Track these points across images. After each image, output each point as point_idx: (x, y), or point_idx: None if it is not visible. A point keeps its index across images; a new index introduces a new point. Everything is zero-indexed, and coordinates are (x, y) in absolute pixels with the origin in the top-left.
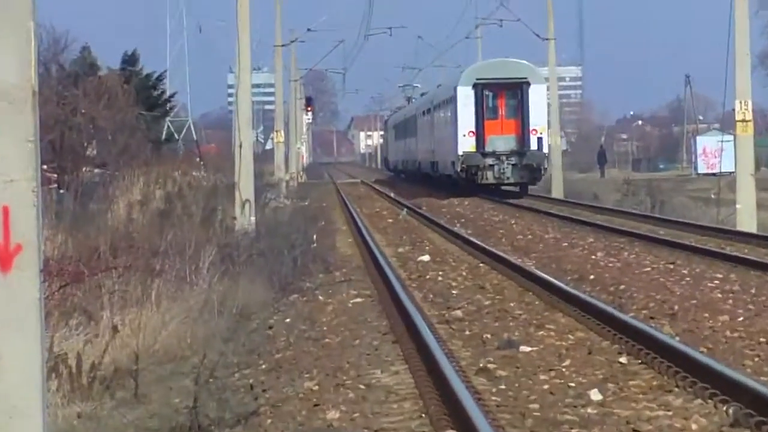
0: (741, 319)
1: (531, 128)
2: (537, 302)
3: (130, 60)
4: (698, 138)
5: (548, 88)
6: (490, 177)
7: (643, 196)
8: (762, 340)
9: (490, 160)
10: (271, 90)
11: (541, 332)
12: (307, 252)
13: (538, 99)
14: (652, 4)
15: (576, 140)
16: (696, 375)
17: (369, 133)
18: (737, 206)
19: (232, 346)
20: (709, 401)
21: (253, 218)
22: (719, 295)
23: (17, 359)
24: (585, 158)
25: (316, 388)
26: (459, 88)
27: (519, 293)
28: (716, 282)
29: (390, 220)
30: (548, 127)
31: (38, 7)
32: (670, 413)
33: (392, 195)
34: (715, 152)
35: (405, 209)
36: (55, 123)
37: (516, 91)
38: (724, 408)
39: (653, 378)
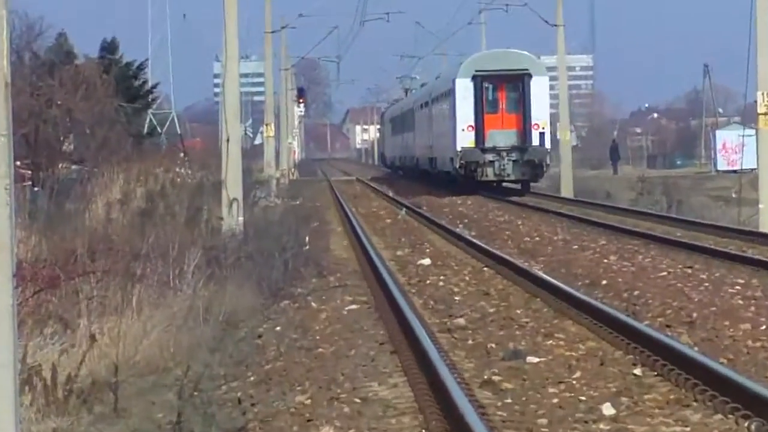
0: (764, 327)
1: (533, 122)
2: (545, 309)
3: (109, 48)
4: (718, 132)
5: (557, 79)
6: (490, 174)
7: (658, 195)
8: None
9: (490, 156)
10: (261, 80)
11: (550, 342)
12: (299, 255)
13: (540, 92)
14: None
15: (587, 134)
16: (716, 388)
17: (365, 126)
18: (760, 206)
19: (218, 356)
20: (730, 416)
21: (241, 218)
22: (740, 302)
23: None
24: (596, 154)
25: (309, 401)
26: (457, 80)
27: (526, 300)
28: (737, 288)
29: (388, 221)
30: (557, 121)
31: None
32: (688, 429)
33: (390, 194)
34: (735, 147)
35: (404, 209)
36: (29, 116)
37: (517, 83)
38: (746, 424)
39: (670, 391)
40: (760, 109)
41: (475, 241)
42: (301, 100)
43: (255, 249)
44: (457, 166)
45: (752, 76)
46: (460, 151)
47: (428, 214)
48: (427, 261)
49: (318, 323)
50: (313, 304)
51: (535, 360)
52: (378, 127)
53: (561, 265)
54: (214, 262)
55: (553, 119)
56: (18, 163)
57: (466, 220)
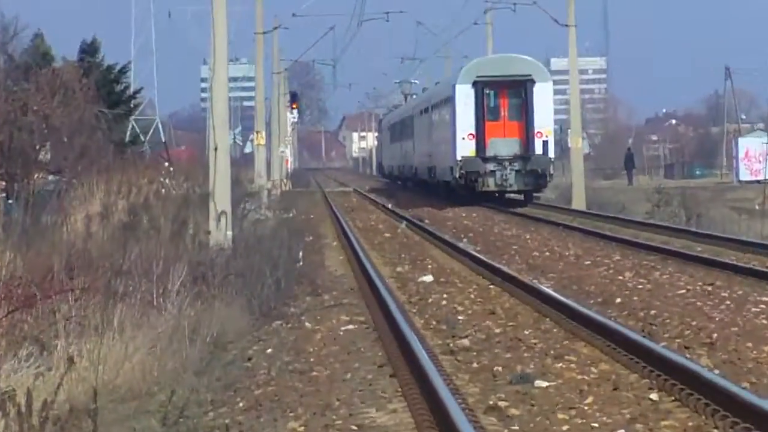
0: None
1: (536, 131)
2: (555, 329)
3: (89, 49)
4: (740, 139)
5: (568, 82)
6: (491, 184)
7: (676, 207)
8: None
9: (491, 166)
10: (251, 84)
11: (560, 364)
12: (292, 272)
13: (543, 98)
14: None
15: (600, 142)
16: (738, 414)
17: (362, 134)
18: None
19: (205, 380)
20: None
21: (230, 233)
22: (765, 322)
23: None
24: (610, 163)
25: (302, 429)
26: (458, 86)
27: (535, 319)
28: (761, 306)
29: (387, 235)
30: (568, 127)
31: None
32: None
33: (389, 206)
34: (759, 156)
35: (404, 222)
36: (3, 122)
37: (519, 89)
38: None
39: (689, 418)
40: None
41: (480, 256)
42: (294, 106)
43: (245, 265)
44: (457, 176)
45: None
46: (460, 161)
47: (430, 227)
48: (428, 278)
49: (312, 344)
50: (307, 324)
51: (544, 384)
52: (376, 134)
53: (572, 282)
54: (201, 279)
55: (564, 125)
56: None
57: (470, 234)
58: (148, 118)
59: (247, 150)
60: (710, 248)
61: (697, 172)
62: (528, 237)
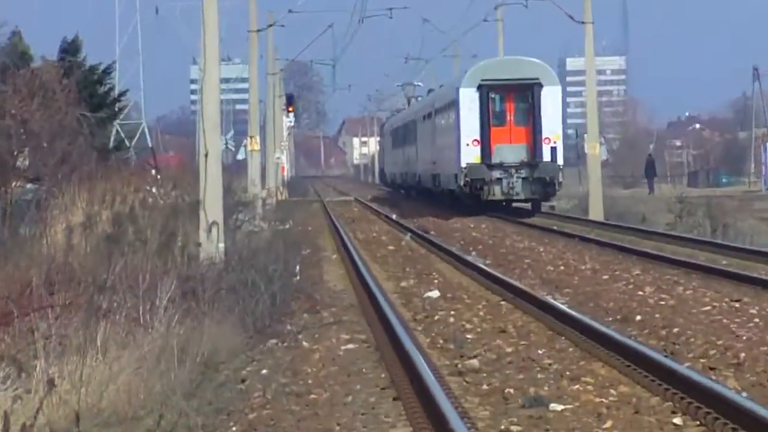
0: None
1: (543, 136)
2: (571, 349)
3: (70, 48)
4: None
5: (584, 84)
6: (497, 192)
7: (701, 218)
8: None
9: (497, 173)
10: (244, 86)
11: (576, 386)
12: (289, 287)
13: (551, 103)
14: None
15: (619, 147)
16: None
17: (364, 139)
18: None
19: (195, 403)
20: None
21: (221, 245)
22: None
23: None
24: (630, 170)
25: None
26: (462, 90)
27: (548, 338)
28: None
29: (391, 247)
30: (584, 132)
31: None
32: None
33: (393, 216)
34: None
35: (409, 234)
36: None
37: (526, 93)
38: None
39: None
40: None
41: (490, 270)
42: (290, 109)
43: (238, 280)
44: (462, 184)
45: None
46: (465, 168)
47: (436, 239)
48: (435, 293)
49: (310, 365)
50: (305, 343)
51: (560, 407)
52: (378, 139)
53: (589, 298)
54: (190, 294)
55: (580, 130)
56: None
57: (480, 246)
58: (133, 122)
59: (240, 156)
60: (737, 262)
61: (723, 180)
62: (542, 249)
